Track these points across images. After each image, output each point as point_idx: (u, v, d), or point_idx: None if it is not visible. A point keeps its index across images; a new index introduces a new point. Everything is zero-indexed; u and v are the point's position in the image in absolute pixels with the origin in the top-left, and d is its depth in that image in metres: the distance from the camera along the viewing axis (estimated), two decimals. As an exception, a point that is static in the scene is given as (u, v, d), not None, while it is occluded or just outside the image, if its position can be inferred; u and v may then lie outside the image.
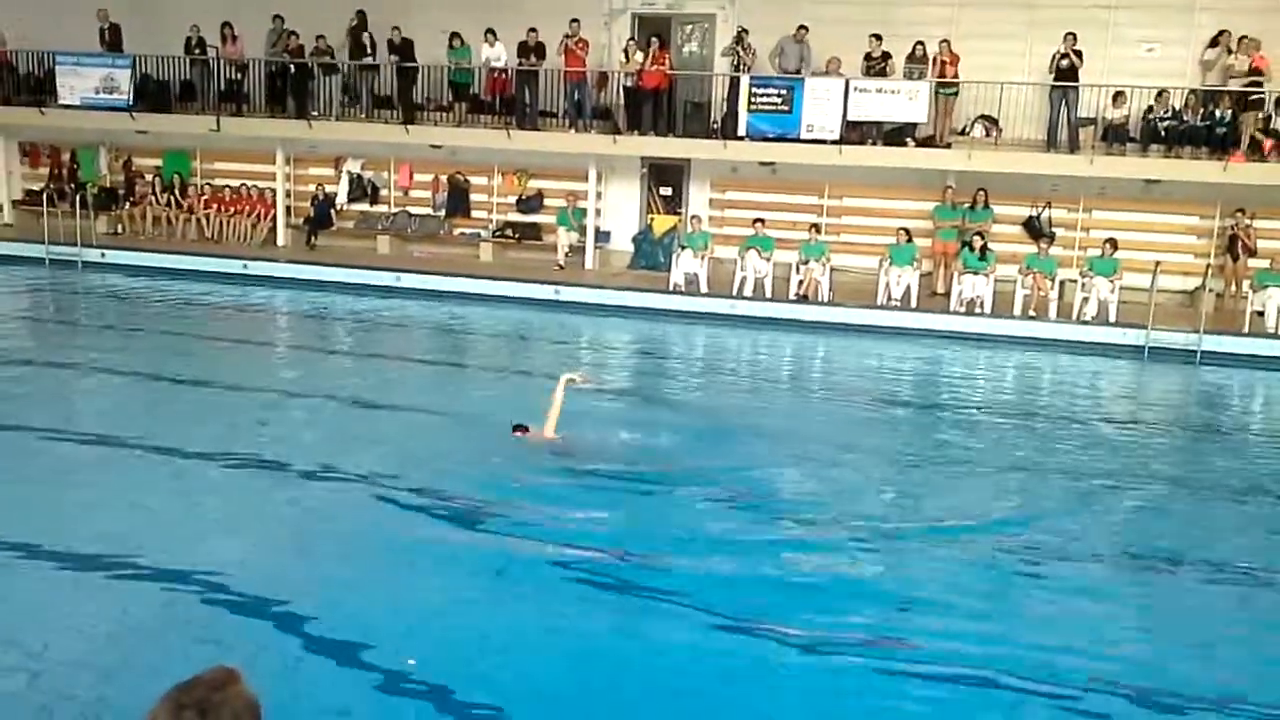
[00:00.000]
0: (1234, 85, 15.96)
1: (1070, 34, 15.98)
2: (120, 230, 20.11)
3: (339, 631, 5.57)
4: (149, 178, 20.49)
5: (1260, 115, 15.92)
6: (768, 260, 16.53)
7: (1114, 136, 16.39)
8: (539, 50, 17.65)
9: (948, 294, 16.27)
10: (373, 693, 5.08)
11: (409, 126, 18.31)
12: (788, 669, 5.54)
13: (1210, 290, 15.71)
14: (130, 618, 5.67)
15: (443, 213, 19.66)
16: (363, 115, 19.17)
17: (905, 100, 16.31)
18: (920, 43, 16.66)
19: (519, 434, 8.68)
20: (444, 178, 19.62)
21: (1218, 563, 7.27)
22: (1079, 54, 15.96)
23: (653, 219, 18.88)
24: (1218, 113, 15.93)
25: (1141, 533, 7.91)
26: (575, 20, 17.53)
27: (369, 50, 18.41)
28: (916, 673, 5.51)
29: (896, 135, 16.80)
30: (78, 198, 18.49)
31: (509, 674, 5.34)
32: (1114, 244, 15.72)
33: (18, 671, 5.13)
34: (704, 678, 5.40)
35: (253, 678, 2.16)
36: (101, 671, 5.16)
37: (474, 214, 19.66)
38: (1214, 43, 16.39)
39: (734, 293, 16.47)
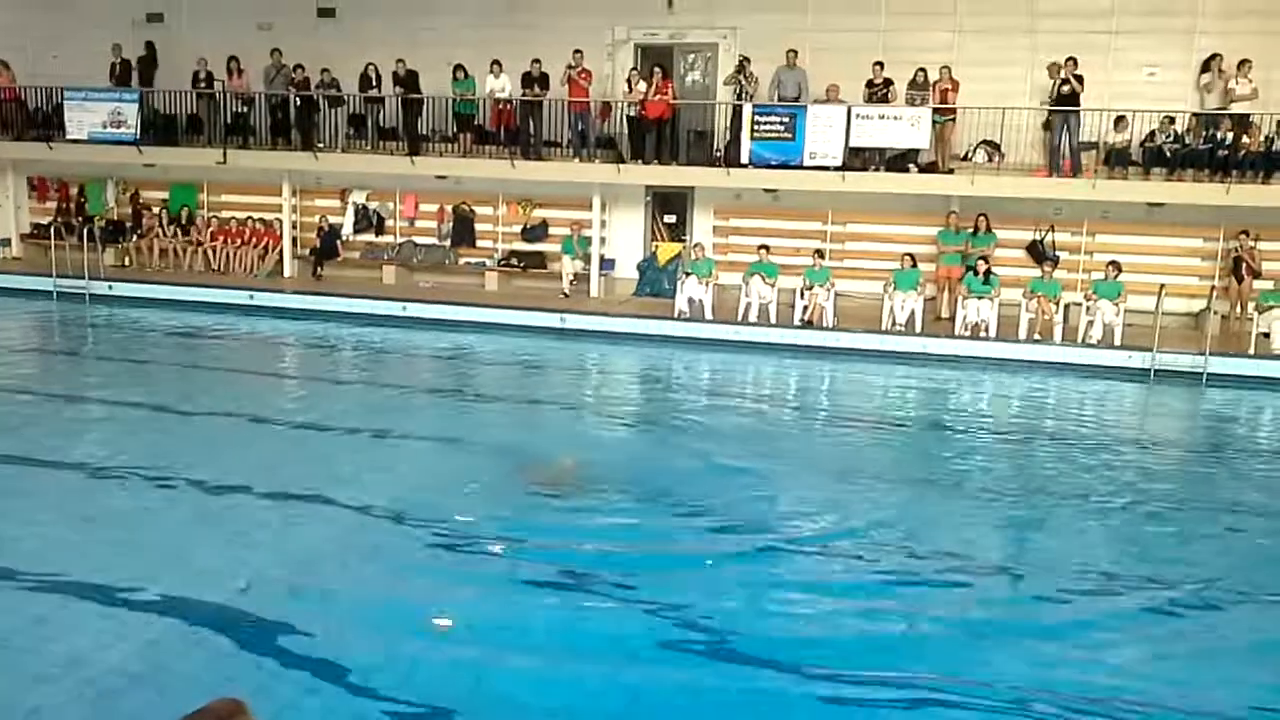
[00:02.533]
0: (1235, 108, 16.04)
1: (1071, 59, 16.04)
2: (128, 263, 20.21)
3: (348, 662, 5.57)
4: (156, 210, 20.61)
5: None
6: (772, 286, 16.56)
7: (1116, 160, 16.44)
8: (543, 81, 17.77)
9: (952, 318, 16.27)
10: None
11: (414, 158, 18.41)
12: (802, 702, 5.52)
13: (1215, 312, 15.74)
14: (138, 647, 5.67)
15: (448, 242, 19.73)
16: (368, 147, 19.30)
17: (907, 126, 16.38)
18: (922, 69, 16.73)
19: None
20: (449, 208, 19.70)
21: (1232, 587, 7.23)
22: (1080, 78, 16.01)
23: (657, 246, 18.93)
24: (1219, 135, 15.97)
25: (1156, 556, 7.85)
26: (578, 51, 17.65)
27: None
28: (929, 701, 5.50)
29: (899, 161, 16.86)
30: (85, 231, 18.56)
31: (521, 701, 5.33)
32: (1117, 267, 15.73)
33: (23, 701, 5.12)
34: (714, 710, 5.40)
35: (260, 708, 2.17)
36: (109, 701, 5.16)
37: (479, 243, 19.72)
38: (1205, 67, 16.47)
39: (739, 319, 16.50)
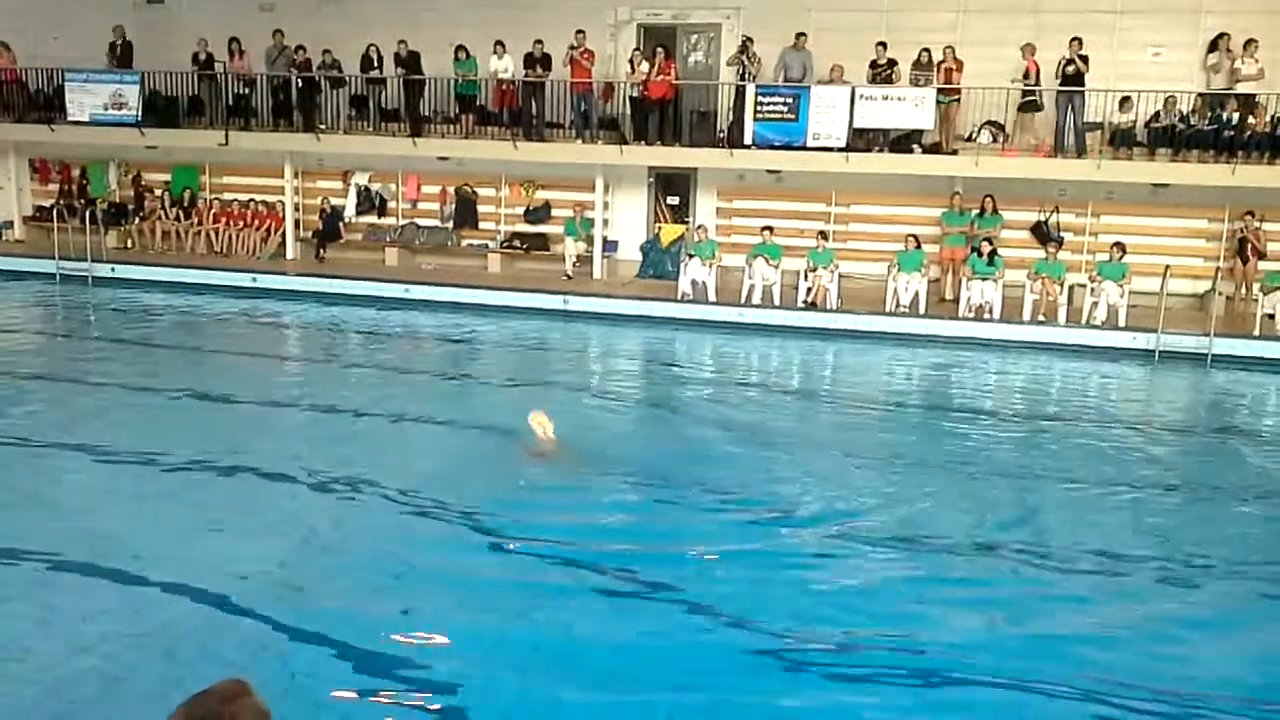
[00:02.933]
0: (1241, 88, 15.97)
1: (1076, 39, 15.97)
2: (130, 245, 20.21)
3: (353, 644, 5.58)
4: (158, 192, 20.59)
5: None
6: (775, 268, 16.54)
7: (1121, 140, 16.37)
8: (545, 62, 17.71)
9: (956, 300, 16.25)
10: (386, 706, 5.09)
11: (416, 139, 18.38)
12: (810, 681, 5.53)
13: (1220, 293, 15.71)
14: (143, 629, 5.68)
15: (451, 224, 19.71)
16: (370, 128, 19.25)
17: (911, 107, 16.31)
18: (926, 49, 16.65)
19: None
20: (451, 189, 19.67)
21: (1235, 566, 7.24)
22: (1085, 59, 15.93)
23: (660, 228, 18.91)
24: (1224, 115, 15.90)
25: (1163, 538, 7.85)
26: (581, 31, 17.58)
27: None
28: (929, 681, 5.50)
29: (903, 142, 16.80)
30: (87, 213, 18.53)
31: (524, 685, 5.33)
32: (1122, 248, 15.69)
33: (31, 683, 5.14)
34: (725, 687, 5.41)
35: (264, 690, 2.16)
36: (115, 683, 5.17)
37: (482, 225, 19.70)
38: (1213, 47, 16.39)
39: (742, 300, 16.48)
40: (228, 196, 20.46)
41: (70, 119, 19.39)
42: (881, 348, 15.17)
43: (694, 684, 5.38)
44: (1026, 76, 16.42)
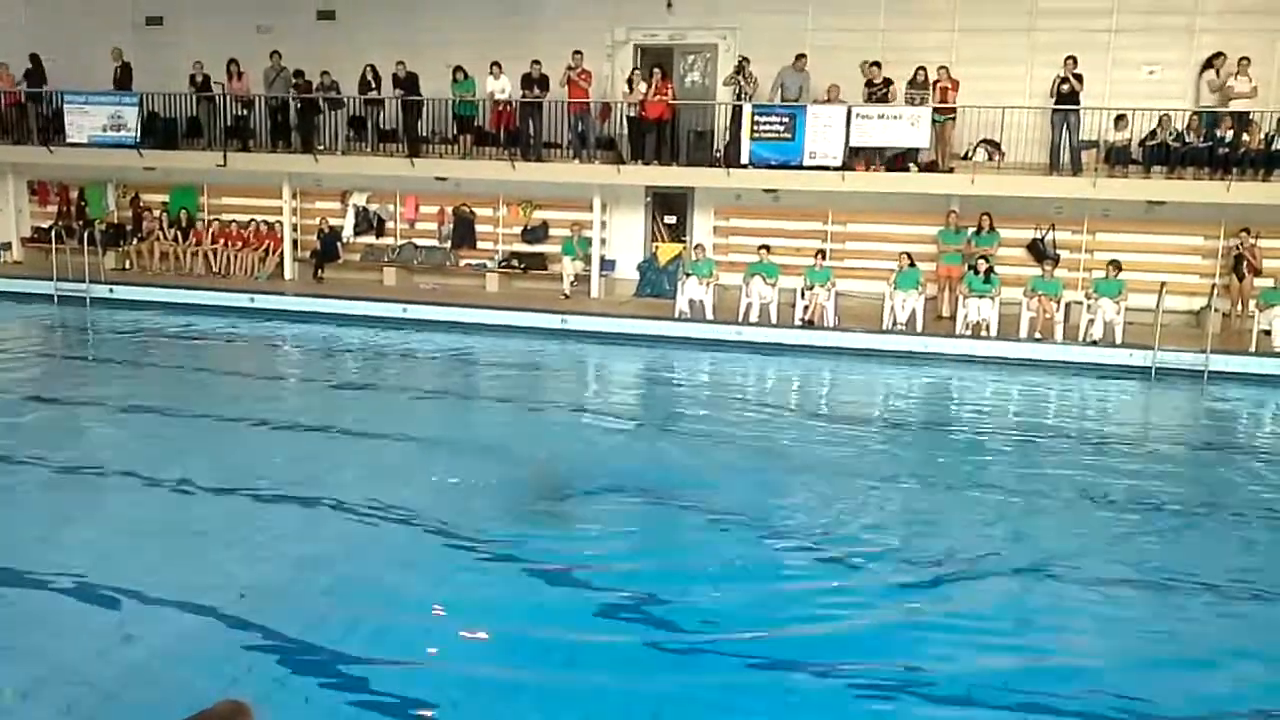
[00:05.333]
0: (1234, 106, 16.04)
1: (1070, 57, 16.04)
2: (128, 266, 20.22)
3: (351, 664, 5.57)
4: (156, 214, 20.61)
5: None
6: (773, 286, 16.56)
7: (1117, 158, 16.44)
8: (543, 82, 17.77)
9: (953, 317, 16.28)
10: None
11: (414, 159, 18.41)
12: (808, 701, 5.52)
13: (1216, 310, 15.74)
14: (142, 650, 5.67)
15: (449, 244, 19.74)
16: (368, 149, 19.30)
17: (907, 126, 16.37)
18: (921, 68, 16.73)
19: None
20: (449, 209, 19.71)
21: (1230, 583, 7.23)
22: (1079, 77, 16.01)
23: (657, 247, 18.94)
24: (1219, 133, 15.97)
25: (1156, 555, 7.84)
26: (578, 52, 17.64)
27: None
28: (929, 696, 5.50)
29: (899, 160, 16.84)
30: (86, 234, 18.56)
31: (528, 710, 5.32)
32: (1118, 265, 15.73)
33: (24, 703, 5.12)
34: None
35: (263, 711, 2.17)
36: (113, 704, 5.15)
37: (480, 245, 19.73)
38: (1208, 65, 16.42)
39: (739, 319, 16.50)
40: (226, 217, 20.49)
41: (69, 141, 19.44)
42: (878, 365, 15.18)
43: None
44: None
